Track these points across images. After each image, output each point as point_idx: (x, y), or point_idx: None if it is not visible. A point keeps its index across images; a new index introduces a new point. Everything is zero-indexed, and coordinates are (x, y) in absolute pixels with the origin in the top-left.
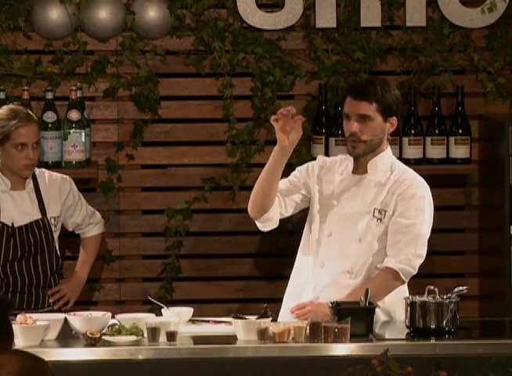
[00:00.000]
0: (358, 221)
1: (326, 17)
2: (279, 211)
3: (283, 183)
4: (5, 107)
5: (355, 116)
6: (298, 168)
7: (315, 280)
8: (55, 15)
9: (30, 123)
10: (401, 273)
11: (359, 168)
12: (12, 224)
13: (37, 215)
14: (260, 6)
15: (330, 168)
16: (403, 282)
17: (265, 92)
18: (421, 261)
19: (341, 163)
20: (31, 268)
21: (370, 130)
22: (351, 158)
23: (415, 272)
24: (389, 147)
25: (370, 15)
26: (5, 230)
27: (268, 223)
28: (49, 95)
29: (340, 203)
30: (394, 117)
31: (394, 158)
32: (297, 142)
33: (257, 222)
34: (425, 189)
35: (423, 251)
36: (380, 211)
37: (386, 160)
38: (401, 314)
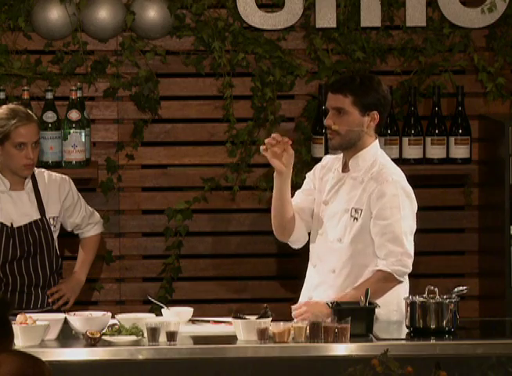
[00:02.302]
0: (339, 220)
1: (326, 17)
2: (304, 228)
3: (298, 196)
4: (4, 107)
5: (331, 109)
6: (308, 174)
7: (309, 281)
8: (55, 15)
9: (30, 122)
10: (395, 274)
11: (346, 166)
12: (12, 224)
13: (37, 215)
14: (260, 6)
15: (330, 167)
16: (399, 282)
17: (265, 92)
18: (412, 258)
19: (339, 161)
20: (31, 268)
21: (345, 123)
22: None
23: (409, 270)
24: (375, 143)
25: (370, 15)
26: (5, 230)
27: (297, 243)
28: (49, 95)
29: (328, 202)
30: (376, 112)
31: (380, 154)
32: (294, 157)
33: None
34: (399, 186)
35: (411, 248)
36: (356, 210)
37: (368, 156)
38: (398, 315)
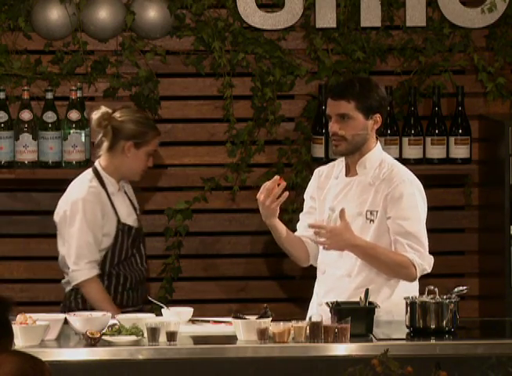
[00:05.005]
0: (352, 224)
1: (326, 17)
2: (317, 248)
3: (303, 219)
4: (136, 110)
5: (334, 116)
6: (307, 191)
7: (318, 287)
8: (55, 15)
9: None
10: (417, 267)
11: (350, 170)
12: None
13: (134, 215)
14: (260, 6)
15: (328, 174)
16: (410, 277)
17: (265, 92)
18: (431, 259)
19: (337, 166)
20: (138, 264)
21: (351, 128)
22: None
23: (429, 270)
24: (378, 145)
25: (370, 15)
26: (126, 230)
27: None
28: (49, 95)
29: (335, 208)
30: (378, 114)
31: (385, 155)
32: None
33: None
34: (413, 185)
35: (427, 249)
36: (371, 213)
37: (374, 158)
38: (402, 315)
